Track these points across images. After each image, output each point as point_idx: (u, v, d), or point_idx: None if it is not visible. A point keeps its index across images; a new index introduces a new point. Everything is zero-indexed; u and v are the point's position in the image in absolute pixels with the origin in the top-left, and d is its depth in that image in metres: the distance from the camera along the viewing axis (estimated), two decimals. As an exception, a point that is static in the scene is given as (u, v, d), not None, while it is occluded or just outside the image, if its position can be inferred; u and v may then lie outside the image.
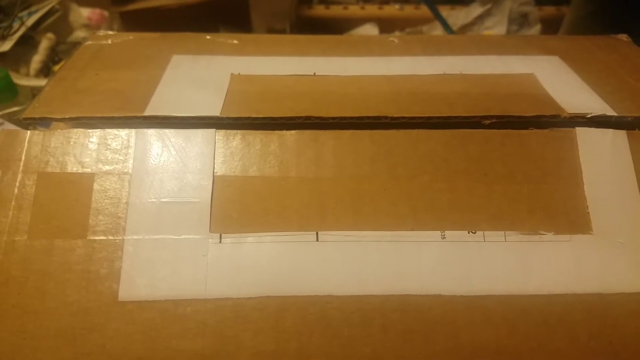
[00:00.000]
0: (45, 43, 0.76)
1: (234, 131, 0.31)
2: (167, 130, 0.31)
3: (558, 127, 0.32)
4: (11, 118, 0.62)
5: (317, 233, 0.29)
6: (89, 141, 0.31)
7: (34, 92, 0.69)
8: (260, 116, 0.32)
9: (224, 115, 0.32)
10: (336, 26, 0.99)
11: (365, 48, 0.41)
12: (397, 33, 0.96)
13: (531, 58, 0.39)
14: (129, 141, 0.31)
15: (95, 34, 0.42)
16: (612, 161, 0.31)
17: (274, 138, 0.31)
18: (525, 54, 0.40)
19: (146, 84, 0.35)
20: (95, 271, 0.28)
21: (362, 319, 0.27)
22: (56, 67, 0.74)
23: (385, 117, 0.32)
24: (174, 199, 0.29)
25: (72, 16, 0.85)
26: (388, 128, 0.32)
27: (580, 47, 0.41)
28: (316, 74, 0.37)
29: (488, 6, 0.92)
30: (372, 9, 1.01)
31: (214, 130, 0.31)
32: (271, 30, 0.92)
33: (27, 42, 0.77)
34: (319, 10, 1.01)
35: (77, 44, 0.43)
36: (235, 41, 0.42)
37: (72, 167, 0.30)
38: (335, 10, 1.01)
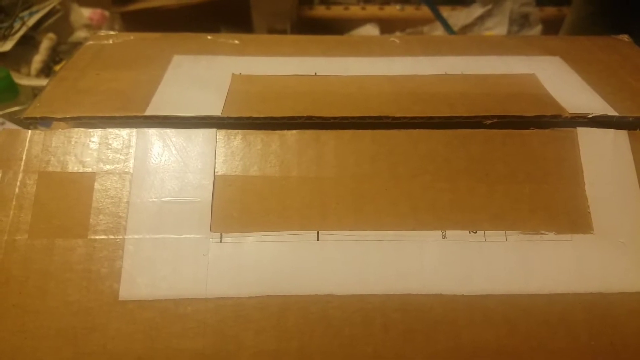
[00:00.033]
0: (46, 43, 0.77)
1: (235, 131, 0.31)
2: (168, 130, 0.31)
3: (559, 127, 0.32)
4: (12, 118, 0.62)
5: (318, 232, 0.29)
6: (90, 141, 0.31)
7: (35, 91, 0.69)
8: (261, 116, 0.32)
9: (225, 115, 0.32)
10: (337, 26, 0.99)
11: (366, 48, 0.41)
12: (397, 33, 0.96)
13: (532, 58, 0.39)
14: (130, 141, 0.31)
15: (96, 34, 0.43)
16: (613, 161, 0.31)
17: (275, 138, 0.31)
18: (526, 55, 0.40)
19: (147, 84, 0.35)
20: (96, 270, 0.28)
21: (363, 319, 0.27)
22: (57, 67, 0.75)
23: (387, 117, 0.32)
24: (174, 199, 0.29)
25: (73, 16, 0.85)
26: (389, 128, 0.32)
27: (581, 47, 0.41)
28: (317, 74, 0.37)
29: (489, 7, 0.92)
30: (372, 10, 1.01)
31: (215, 130, 0.31)
32: (272, 31, 0.92)
33: (28, 42, 0.77)
34: (320, 11, 1.01)
35: (78, 44, 0.43)
36: (236, 41, 0.42)
37: (73, 167, 0.30)
38: (336, 11, 1.01)
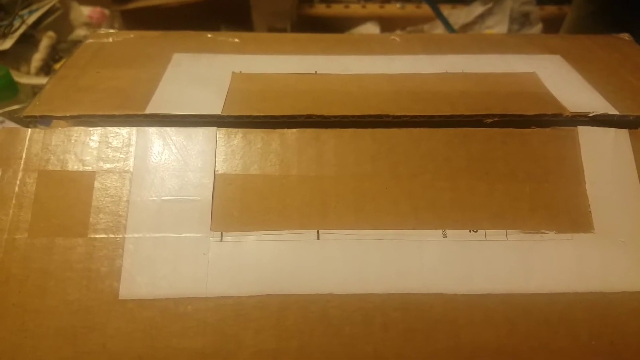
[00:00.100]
0: (46, 41, 0.76)
1: (235, 129, 0.31)
2: (168, 129, 0.31)
3: (560, 126, 0.32)
4: (12, 116, 0.62)
5: (318, 231, 0.29)
6: (89, 139, 0.31)
7: (35, 90, 0.69)
8: (262, 114, 0.32)
9: (225, 114, 0.32)
10: (337, 25, 0.99)
11: (366, 47, 0.41)
12: (398, 32, 0.96)
13: (533, 57, 0.39)
14: (130, 139, 0.31)
15: (96, 32, 0.42)
16: (614, 160, 0.31)
17: (275, 136, 0.31)
18: (526, 53, 0.40)
19: (147, 82, 0.35)
20: (95, 269, 0.28)
21: (363, 318, 0.27)
22: (57, 66, 0.74)
23: (387, 116, 0.32)
24: (175, 197, 0.29)
25: (73, 14, 0.85)
26: (389, 127, 0.32)
27: (581, 46, 0.41)
28: (317, 72, 0.37)
29: (489, 5, 0.92)
30: (373, 8, 1.01)
31: (215, 128, 0.31)
32: (272, 29, 0.92)
33: (28, 41, 0.77)
34: (320, 9, 1.01)
35: (78, 42, 0.43)
36: (236, 40, 0.42)
37: (73, 165, 0.30)
38: (337, 9, 1.01)
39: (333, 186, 0.30)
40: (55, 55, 0.77)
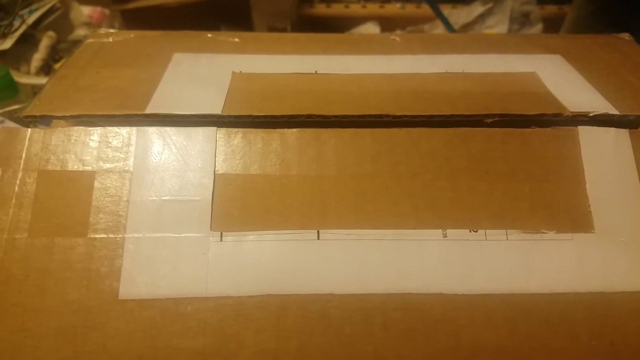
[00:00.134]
0: (46, 41, 0.76)
1: (235, 129, 0.31)
2: (168, 129, 0.31)
3: (560, 125, 0.32)
4: (12, 116, 0.62)
5: (318, 231, 0.29)
6: (89, 139, 0.31)
7: (35, 90, 0.69)
8: (262, 114, 0.32)
9: (225, 114, 0.32)
10: (337, 25, 0.99)
11: (366, 46, 0.41)
12: (398, 32, 0.96)
13: (533, 57, 0.39)
14: (129, 139, 0.31)
15: (96, 32, 0.42)
16: (614, 160, 0.31)
17: (276, 136, 0.31)
18: (527, 53, 0.40)
19: (147, 82, 0.35)
20: (95, 269, 0.28)
21: (363, 318, 0.27)
22: (57, 65, 0.74)
23: (387, 116, 0.32)
24: (174, 197, 0.29)
25: (73, 14, 0.85)
26: (390, 126, 0.32)
27: (581, 46, 0.41)
28: (317, 72, 0.37)
29: (489, 5, 0.92)
30: (373, 8, 1.01)
31: (215, 128, 0.31)
32: (272, 29, 0.92)
33: (28, 40, 0.77)
34: (320, 9, 1.01)
35: (78, 42, 0.43)
36: (237, 39, 0.42)
37: (73, 165, 0.30)
38: (337, 9, 1.01)
39: (333, 186, 0.30)
40: (55, 55, 0.77)
